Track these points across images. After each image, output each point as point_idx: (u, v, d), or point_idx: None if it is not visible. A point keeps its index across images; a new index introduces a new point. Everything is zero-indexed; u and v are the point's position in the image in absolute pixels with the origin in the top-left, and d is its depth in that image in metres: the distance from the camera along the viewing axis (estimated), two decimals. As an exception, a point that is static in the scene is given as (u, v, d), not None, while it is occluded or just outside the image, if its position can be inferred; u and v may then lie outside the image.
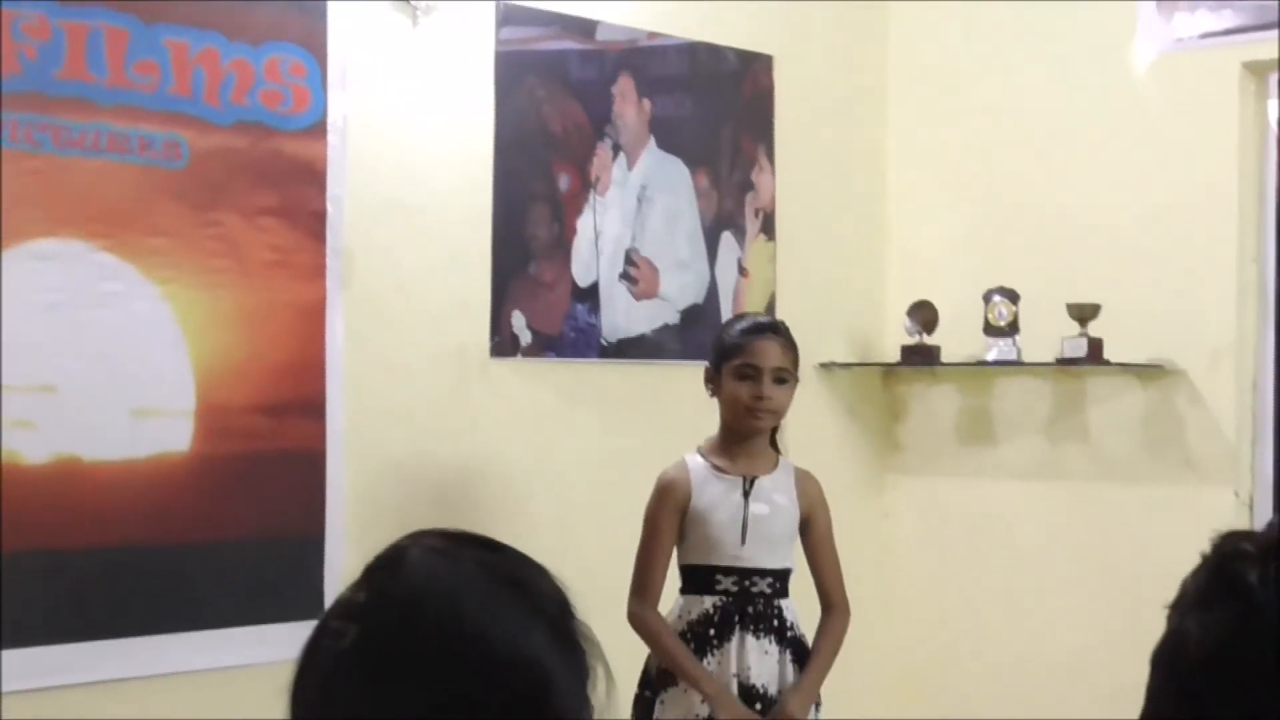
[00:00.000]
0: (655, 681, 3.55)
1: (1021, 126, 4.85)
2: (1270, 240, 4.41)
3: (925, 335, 4.91)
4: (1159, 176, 4.48)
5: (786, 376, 3.57)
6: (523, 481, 4.25)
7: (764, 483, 3.55)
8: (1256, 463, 4.40)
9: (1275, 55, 4.29)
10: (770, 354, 3.56)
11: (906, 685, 5.04)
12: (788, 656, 3.57)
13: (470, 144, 4.17)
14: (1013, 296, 4.73)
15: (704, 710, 3.51)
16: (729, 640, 3.51)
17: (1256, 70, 4.35)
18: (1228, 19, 4.44)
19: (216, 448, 3.66)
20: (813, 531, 3.64)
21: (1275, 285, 4.44)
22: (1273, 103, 4.42)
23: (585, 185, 4.44)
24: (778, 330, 3.71)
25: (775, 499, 3.59)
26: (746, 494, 3.55)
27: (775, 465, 3.62)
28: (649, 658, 3.56)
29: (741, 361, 3.53)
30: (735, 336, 3.63)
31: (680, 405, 4.05)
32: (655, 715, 3.55)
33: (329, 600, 1.61)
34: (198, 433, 3.62)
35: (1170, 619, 1.28)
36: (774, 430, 3.70)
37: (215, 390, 3.66)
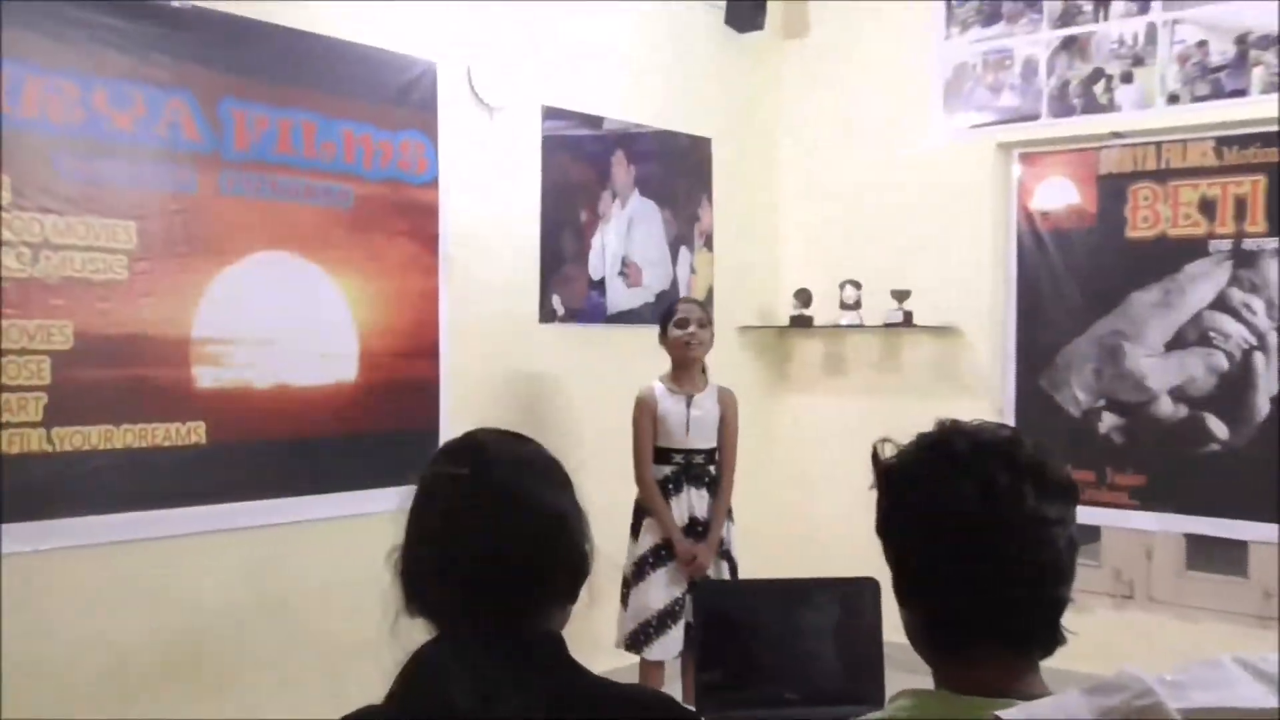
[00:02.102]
0: (639, 513, 4.28)
1: (864, 183, 5.66)
2: (1013, 251, 5.34)
3: (804, 309, 5.77)
4: (947, 213, 5.42)
5: (704, 323, 4.27)
6: (557, 396, 4.86)
7: (698, 397, 4.28)
8: (1005, 389, 5.32)
9: (1017, 138, 5.22)
10: (692, 311, 4.33)
11: (781, 519, 5.68)
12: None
13: (526, 193, 4.80)
14: (857, 285, 5.62)
15: (660, 535, 4.20)
16: (682, 491, 4.23)
17: (1005, 148, 5.35)
18: (988, 116, 5.38)
19: (371, 377, 4.22)
20: (724, 426, 4.31)
21: (1015, 280, 5.34)
22: (1015, 167, 5.35)
23: (596, 217, 5.11)
24: (692, 300, 4.57)
25: (705, 405, 4.27)
26: (688, 404, 4.28)
27: (705, 385, 4.29)
28: (637, 498, 4.24)
29: (678, 317, 4.28)
30: (671, 306, 4.41)
31: (650, 350, 4.49)
32: (640, 535, 4.22)
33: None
34: (360, 368, 4.20)
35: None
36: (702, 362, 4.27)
37: (370, 342, 4.23)
